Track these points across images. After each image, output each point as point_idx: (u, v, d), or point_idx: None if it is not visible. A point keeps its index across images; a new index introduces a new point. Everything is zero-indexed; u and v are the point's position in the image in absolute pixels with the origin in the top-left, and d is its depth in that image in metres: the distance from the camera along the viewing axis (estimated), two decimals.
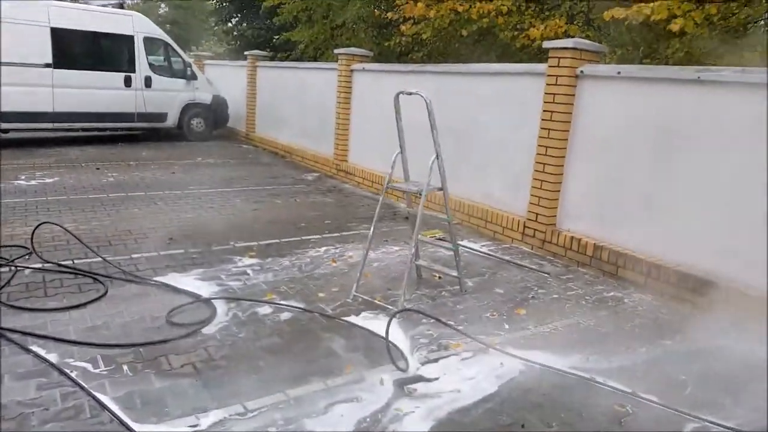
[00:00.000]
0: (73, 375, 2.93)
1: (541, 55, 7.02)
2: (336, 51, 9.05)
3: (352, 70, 8.84)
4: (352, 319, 3.82)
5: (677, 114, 4.47)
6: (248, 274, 4.59)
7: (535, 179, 5.54)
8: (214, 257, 4.96)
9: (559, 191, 5.45)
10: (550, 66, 5.33)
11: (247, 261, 4.91)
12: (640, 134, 4.75)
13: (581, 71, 5.14)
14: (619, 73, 4.87)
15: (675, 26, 5.05)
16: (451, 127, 6.43)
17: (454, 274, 4.37)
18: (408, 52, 9.01)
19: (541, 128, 5.45)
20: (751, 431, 2.75)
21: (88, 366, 3.05)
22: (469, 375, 3.14)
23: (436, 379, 3.08)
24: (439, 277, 4.67)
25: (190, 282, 4.35)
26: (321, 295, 4.22)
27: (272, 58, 13.31)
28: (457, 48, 8.01)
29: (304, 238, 5.71)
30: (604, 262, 4.92)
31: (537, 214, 5.55)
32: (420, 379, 3.08)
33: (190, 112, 12.15)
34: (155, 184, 7.78)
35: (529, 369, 3.24)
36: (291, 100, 11.01)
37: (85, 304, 3.82)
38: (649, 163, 4.69)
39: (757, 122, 3.98)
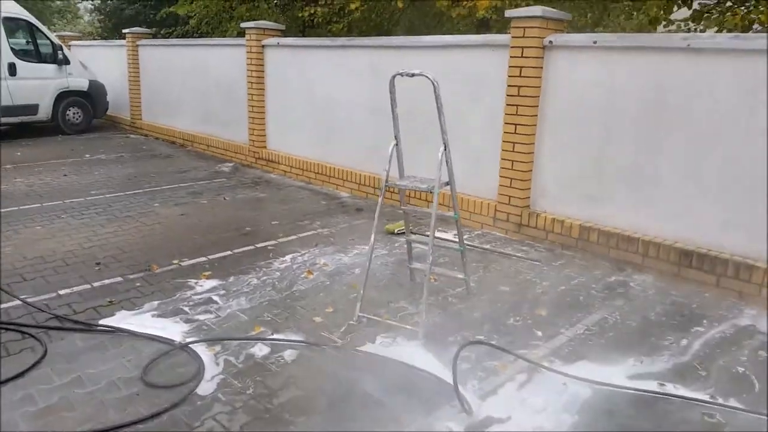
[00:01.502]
0: None
1: (480, 27, 6.67)
2: (243, 24, 8.09)
3: (263, 46, 7.97)
4: (370, 348, 3.25)
5: (663, 83, 4.29)
6: (216, 302, 3.83)
7: (505, 159, 5.21)
8: (164, 283, 4.12)
9: (531, 171, 5.16)
10: (514, 37, 4.96)
11: (206, 284, 4.12)
12: (621, 106, 4.54)
13: (550, 41, 4.82)
14: (595, 42, 4.60)
15: None
16: (402, 109, 5.92)
17: (461, 276, 3.93)
18: (327, 23, 8.25)
19: (508, 105, 5.10)
20: None
21: None
22: (539, 406, 2.73)
23: (509, 418, 2.64)
24: (434, 279, 4.21)
25: (148, 321, 3.53)
26: (317, 320, 3.59)
27: (155, 36, 11.85)
28: (379, 21, 7.41)
29: (258, 245, 4.97)
30: (593, 243, 4.72)
31: (509, 196, 5.24)
32: (492, 421, 2.62)
33: (65, 101, 10.53)
34: (49, 192, 6.52)
35: (595, 387, 2.90)
36: (187, 81, 9.83)
37: (23, 374, 2.91)
38: (635, 136, 4.50)
39: (752, 89, 3.88)
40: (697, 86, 4.14)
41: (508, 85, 5.03)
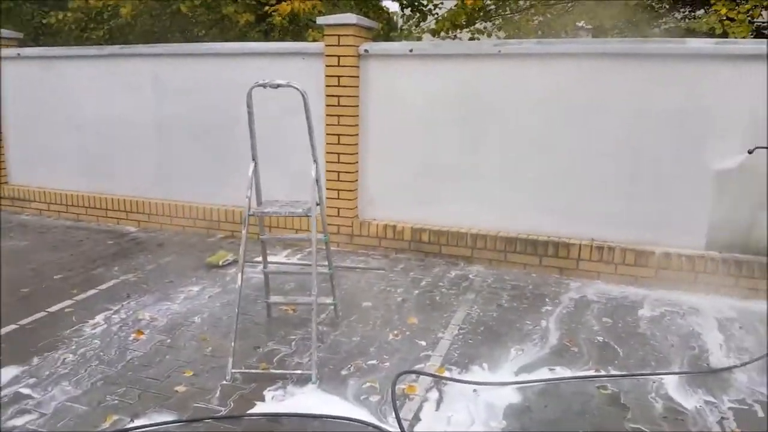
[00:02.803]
0: None
1: (270, 34, 6.37)
2: None
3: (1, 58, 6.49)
4: (262, 408, 2.80)
5: (477, 87, 4.60)
6: (30, 396, 2.92)
7: (331, 171, 5.04)
8: None
9: (357, 181, 5.10)
10: (328, 45, 4.82)
11: (7, 372, 3.13)
12: (440, 110, 4.74)
13: (366, 50, 4.80)
14: (411, 50, 4.72)
15: None
16: (200, 125, 5.34)
17: (330, 301, 3.67)
18: (82, 30, 6.98)
19: (329, 115, 4.94)
20: (695, 371, 3.10)
21: None
22: (466, 421, 2.66)
23: None
24: (293, 311, 3.87)
25: None
26: (180, 389, 2.97)
27: None
28: (151, 26, 6.58)
29: (51, 310, 3.98)
30: (425, 243, 4.87)
31: (338, 208, 5.10)
32: None
33: None
34: None
35: (503, 387, 2.95)
36: None
37: None
38: (455, 138, 4.75)
39: (558, 88, 4.38)
40: (508, 88, 4.52)
41: (327, 95, 4.88)
